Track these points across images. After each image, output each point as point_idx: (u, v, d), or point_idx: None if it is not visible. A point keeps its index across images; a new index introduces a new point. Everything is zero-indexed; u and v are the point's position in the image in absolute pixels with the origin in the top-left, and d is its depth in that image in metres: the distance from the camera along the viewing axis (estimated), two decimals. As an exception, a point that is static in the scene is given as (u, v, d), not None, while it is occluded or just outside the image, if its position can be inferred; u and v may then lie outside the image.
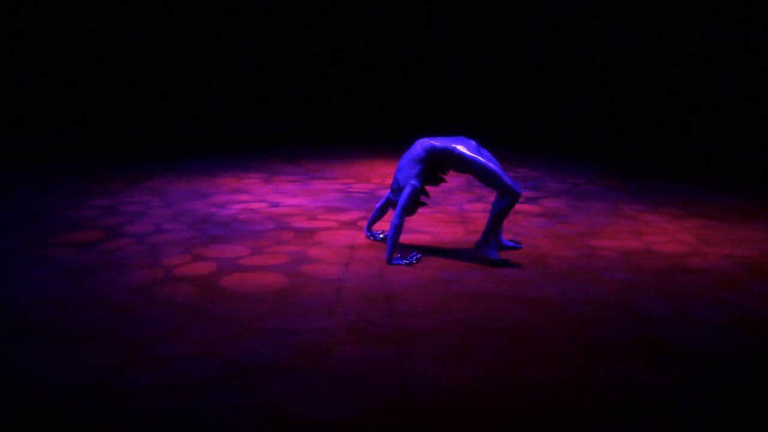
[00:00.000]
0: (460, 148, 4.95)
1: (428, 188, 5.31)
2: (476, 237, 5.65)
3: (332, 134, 12.17)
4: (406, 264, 4.96)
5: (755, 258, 5.20)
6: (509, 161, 9.27)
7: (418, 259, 5.02)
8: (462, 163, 4.93)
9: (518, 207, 6.75)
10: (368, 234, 5.64)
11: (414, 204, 5.07)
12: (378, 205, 5.56)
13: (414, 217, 6.32)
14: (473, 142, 5.04)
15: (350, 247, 5.41)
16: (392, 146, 10.48)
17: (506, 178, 4.88)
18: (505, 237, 5.53)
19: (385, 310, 4.15)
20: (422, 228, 5.99)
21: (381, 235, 5.60)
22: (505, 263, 4.94)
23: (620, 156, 9.92)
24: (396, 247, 5.04)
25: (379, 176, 8.34)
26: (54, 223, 6.09)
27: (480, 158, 4.89)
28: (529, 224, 6.14)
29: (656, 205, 6.85)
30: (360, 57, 12.94)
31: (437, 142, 5.01)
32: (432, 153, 4.99)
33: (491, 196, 7.27)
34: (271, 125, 12.48)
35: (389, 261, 4.98)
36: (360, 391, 3.20)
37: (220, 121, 12.44)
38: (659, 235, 5.78)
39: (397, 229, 4.95)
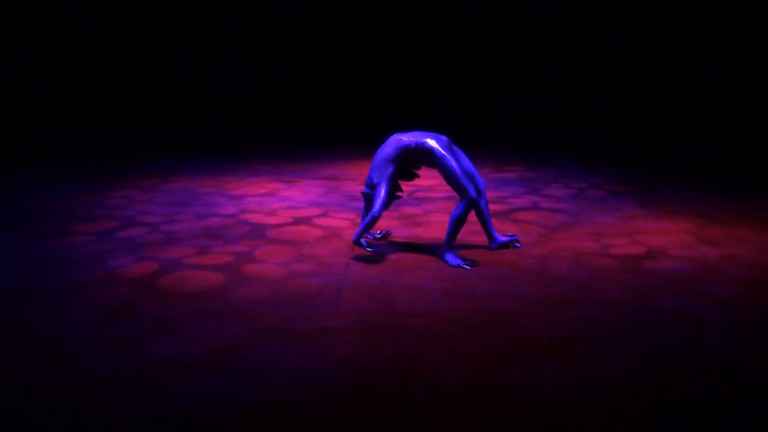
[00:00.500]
0: (431, 142, 5.03)
1: (403, 183, 5.43)
2: (475, 237, 5.65)
3: (332, 134, 12.17)
4: (365, 249, 5.05)
5: (755, 258, 5.20)
6: (514, 162, 9.28)
7: (375, 254, 5.09)
8: (431, 159, 5.03)
9: (521, 207, 6.76)
10: (368, 235, 5.65)
11: (390, 199, 5.18)
12: (365, 205, 5.58)
13: (414, 218, 6.32)
14: (445, 138, 5.12)
15: (350, 247, 5.42)
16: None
17: (465, 181, 4.95)
18: (501, 234, 5.55)
19: (385, 310, 4.15)
20: (421, 228, 5.99)
21: (379, 234, 5.63)
22: (461, 266, 4.94)
23: (621, 156, 9.92)
24: (365, 233, 5.13)
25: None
26: (40, 222, 6.10)
27: (448, 157, 4.98)
28: (531, 225, 6.14)
29: (657, 207, 6.84)
30: (359, 56, 12.94)
31: (409, 138, 5.09)
32: (405, 151, 5.08)
33: (490, 193, 7.27)
34: (271, 125, 12.48)
35: (356, 241, 5.07)
36: (360, 391, 3.20)
37: (220, 122, 12.43)
38: (659, 236, 5.78)
39: (374, 219, 5.04)
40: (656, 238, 5.72)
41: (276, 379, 3.31)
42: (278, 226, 6.05)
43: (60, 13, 11.20)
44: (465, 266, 4.93)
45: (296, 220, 6.24)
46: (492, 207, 6.79)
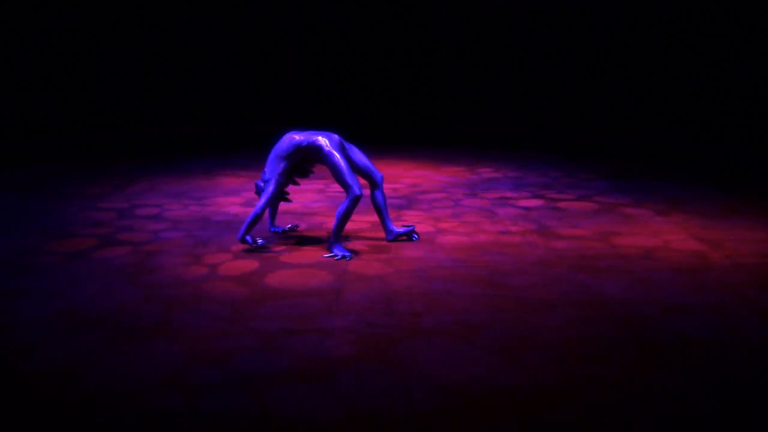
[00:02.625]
0: (321, 140, 5.19)
1: (298, 179, 5.55)
2: (478, 237, 5.65)
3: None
4: (251, 245, 5.16)
5: (756, 258, 5.20)
6: (515, 161, 9.29)
7: (262, 246, 5.20)
8: (320, 156, 5.18)
9: (521, 207, 6.76)
10: (272, 230, 5.78)
11: (277, 196, 5.30)
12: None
13: (415, 219, 6.31)
14: (336, 137, 5.27)
15: (350, 247, 5.42)
16: (401, 147, 10.48)
17: (350, 178, 5.10)
18: (398, 226, 5.68)
19: (385, 310, 4.15)
20: (422, 228, 6.00)
21: (289, 227, 5.82)
22: (344, 258, 5.07)
23: (621, 156, 9.92)
24: (251, 230, 5.20)
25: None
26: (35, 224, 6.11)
27: (336, 154, 5.13)
28: (531, 224, 6.14)
29: (656, 206, 6.84)
30: (360, 55, 12.93)
31: (301, 137, 5.23)
32: (297, 148, 5.21)
33: (487, 194, 7.27)
34: (270, 125, 12.47)
35: (241, 239, 5.17)
36: (360, 391, 3.20)
37: (220, 122, 12.43)
38: (659, 236, 5.78)
39: (257, 217, 5.16)
40: (656, 237, 5.72)
41: (276, 379, 3.31)
42: (292, 227, 6.04)
43: (59, 12, 11.19)
44: (347, 257, 5.04)
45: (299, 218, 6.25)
46: (493, 209, 6.79)
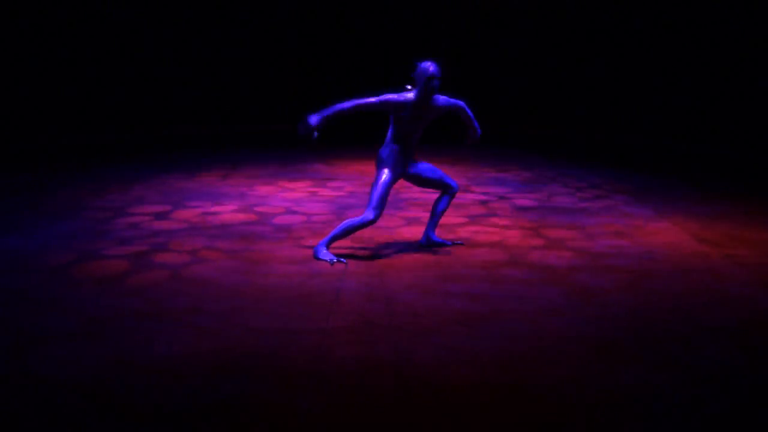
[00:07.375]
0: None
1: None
2: (478, 237, 5.64)
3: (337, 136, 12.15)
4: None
5: (756, 258, 5.20)
6: (513, 161, 9.29)
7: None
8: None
9: (520, 207, 6.76)
10: (433, 238, 5.51)
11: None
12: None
13: (414, 218, 6.32)
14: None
15: (349, 246, 5.42)
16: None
17: (382, 201, 5.00)
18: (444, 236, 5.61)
19: (385, 310, 4.15)
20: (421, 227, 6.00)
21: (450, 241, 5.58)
22: (332, 262, 4.99)
23: (621, 156, 9.92)
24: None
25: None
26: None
27: (386, 171, 4.99)
28: (531, 225, 6.14)
29: (656, 206, 6.85)
30: (358, 54, 12.94)
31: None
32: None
33: (487, 194, 7.27)
34: (271, 125, 12.47)
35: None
36: (360, 391, 3.20)
37: (218, 122, 12.44)
38: (659, 235, 5.78)
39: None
40: (656, 238, 5.72)
41: (276, 378, 3.31)
42: (280, 225, 6.05)
43: (58, 12, 11.20)
44: (334, 261, 4.97)
45: (293, 215, 6.25)
46: (493, 208, 6.80)
